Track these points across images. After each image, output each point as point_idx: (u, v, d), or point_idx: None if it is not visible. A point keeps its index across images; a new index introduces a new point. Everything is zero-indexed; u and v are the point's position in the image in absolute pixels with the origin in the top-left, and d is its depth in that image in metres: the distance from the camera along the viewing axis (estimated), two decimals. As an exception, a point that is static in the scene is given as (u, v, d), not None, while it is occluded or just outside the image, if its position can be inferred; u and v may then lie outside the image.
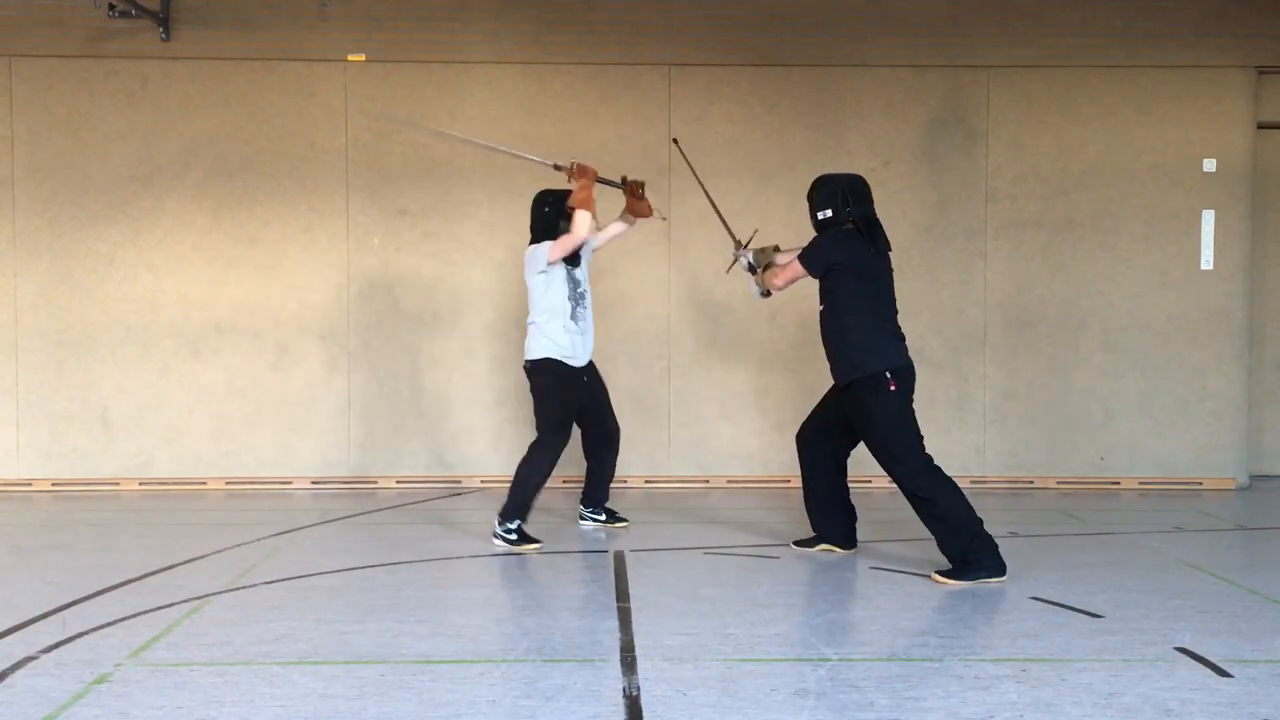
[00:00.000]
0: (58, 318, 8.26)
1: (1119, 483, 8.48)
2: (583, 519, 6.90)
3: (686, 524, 7.05)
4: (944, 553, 5.48)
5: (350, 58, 8.25)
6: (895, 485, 5.65)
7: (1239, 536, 6.86)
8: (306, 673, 4.00)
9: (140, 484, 8.29)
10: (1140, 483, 8.50)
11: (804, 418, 6.18)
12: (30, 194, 8.23)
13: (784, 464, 8.36)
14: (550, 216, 6.44)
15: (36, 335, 8.26)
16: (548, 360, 6.32)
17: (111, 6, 7.82)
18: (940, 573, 5.43)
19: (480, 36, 8.30)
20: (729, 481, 8.42)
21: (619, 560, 5.86)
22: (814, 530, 6.13)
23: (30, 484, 8.27)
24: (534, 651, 4.25)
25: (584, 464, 6.88)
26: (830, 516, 6.05)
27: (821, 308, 5.77)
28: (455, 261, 8.35)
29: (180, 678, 3.94)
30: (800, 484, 6.17)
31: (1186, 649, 4.27)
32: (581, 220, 6.25)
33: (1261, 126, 8.54)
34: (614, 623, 4.64)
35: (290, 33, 8.26)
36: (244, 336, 8.30)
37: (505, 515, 6.26)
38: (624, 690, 3.79)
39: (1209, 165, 8.42)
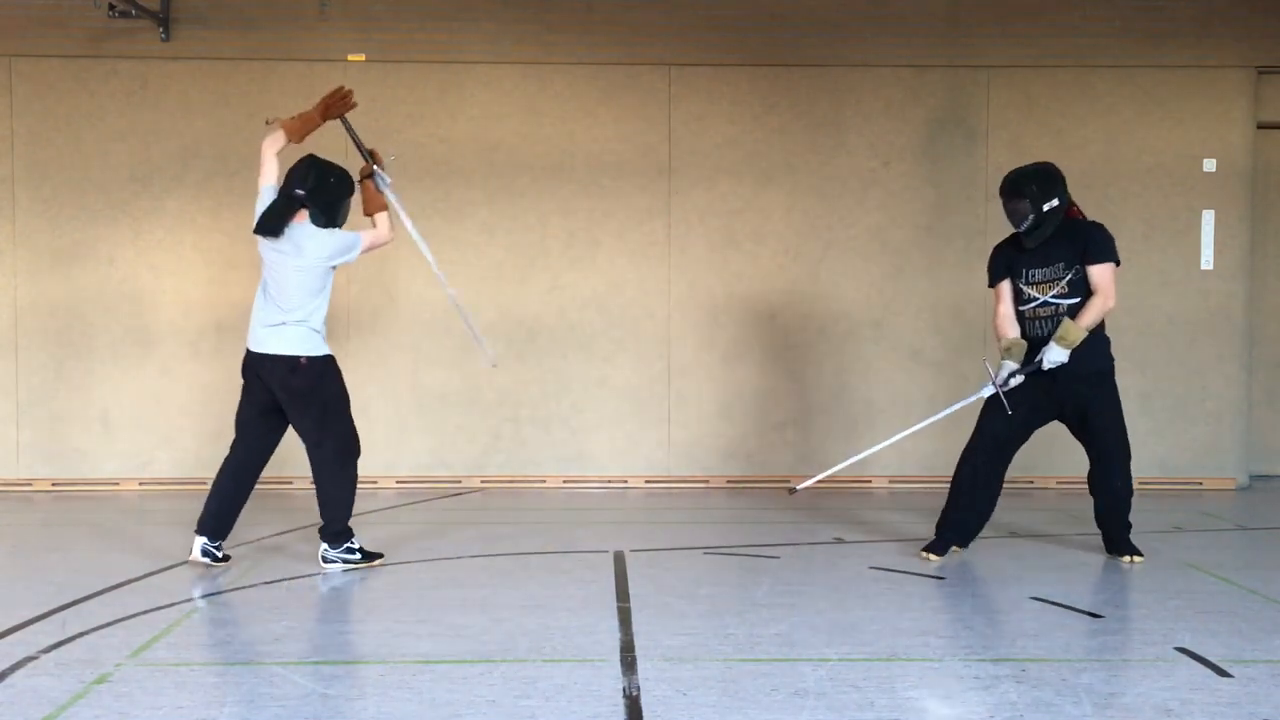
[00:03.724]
0: (58, 318, 8.26)
1: (1119, 483, 8.46)
2: (206, 554, 5.66)
3: (686, 524, 7.05)
4: (1119, 533, 5.89)
5: (350, 58, 8.25)
6: (1106, 472, 5.84)
7: (1239, 536, 6.85)
8: (306, 673, 4.00)
9: (140, 484, 8.29)
10: (1140, 483, 8.45)
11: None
12: (30, 194, 8.23)
13: (784, 464, 8.37)
14: (336, 190, 5.57)
15: (36, 335, 8.26)
16: (332, 358, 5.64)
17: (111, 6, 7.82)
18: (1127, 555, 5.83)
19: (480, 36, 8.30)
20: (729, 481, 8.42)
21: (619, 560, 5.86)
22: (944, 536, 5.92)
23: (30, 484, 8.27)
24: (534, 651, 4.24)
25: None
26: (978, 525, 5.94)
27: (1076, 300, 5.65)
28: (454, 261, 8.35)
29: (180, 678, 3.94)
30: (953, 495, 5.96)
31: (1186, 649, 4.27)
32: (387, 220, 5.74)
33: (1261, 126, 8.54)
34: (614, 623, 4.64)
35: (290, 33, 8.26)
36: (244, 336, 8.26)
37: (339, 538, 5.65)
38: (624, 690, 3.79)
39: (1209, 165, 8.41)
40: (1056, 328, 5.66)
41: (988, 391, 5.83)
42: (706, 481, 8.45)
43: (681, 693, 3.76)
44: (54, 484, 8.27)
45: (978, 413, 5.98)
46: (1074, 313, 5.64)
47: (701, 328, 8.45)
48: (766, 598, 5.10)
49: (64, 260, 8.25)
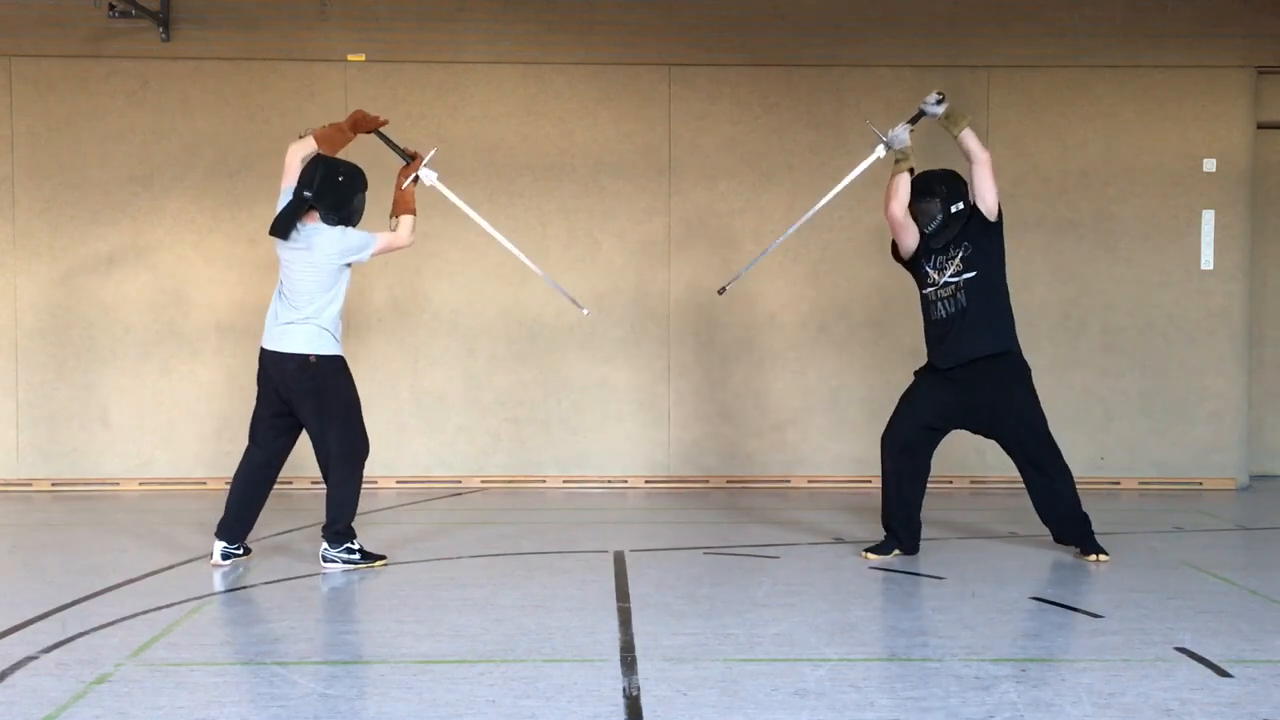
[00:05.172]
0: (58, 318, 8.26)
1: (1119, 483, 8.47)
2: (228, 557, 5.73)
3: (686, 524, 7.05)
4: (1080, 529, 5.83)
5: (350, 58, 8.25)
6: (1039, 474, 5.80)
7: (1239, 536, 6.85)
8: (306, 673, 4.00)
9: (140, 484, 8.29)
10: (1140, 483, 8.50)
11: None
12: (30, 194, 8.23)
13: (784, 464, 8.37)
14: (347, 189, 5.58)
15: (36, 335, 8.26)
16: (343, 358, 5.70)
17: (111, 6, 7.83)
18: (1093, 554, 5.81)
19: (480, 36, 8.30)
20: (729, 481, 8.42)
21: (619, 560, 5.86)
22: (889, 541, 5.95)
23: (30, 484, 8.27)
24: (534, 651, 4.24)
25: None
26: (916, 522, 5.97)
27: (972, 274, 5.74)
28: (455, 261, 8.35)
29: (180, 678, 3.94)
30: (882, 490, 6.00)
31: (1186, 649, 4.27)
32: (410, 225, 5.86)
33: (1261, 126, 8.54)
34: (614, 623, 4.64)
35: (290, 33, 8.25)
36: (244, 336, 8.28)
37: (340, 537, 5.64)
38: (624, 690, 3.79)
39: (1209, 165, 8.41)
40: (958, 307, 5.75)
41: (881, 151, 6.13)
42: (706, 481, 8.45)
43: (681, 693, 3.76)
44: (54, 484, 8.27)
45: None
46: (972, 286, 5.75)
47: (701, 328, 8.45)
48: (766, 598, 5.09)
49: (64, 260, 8.25)
